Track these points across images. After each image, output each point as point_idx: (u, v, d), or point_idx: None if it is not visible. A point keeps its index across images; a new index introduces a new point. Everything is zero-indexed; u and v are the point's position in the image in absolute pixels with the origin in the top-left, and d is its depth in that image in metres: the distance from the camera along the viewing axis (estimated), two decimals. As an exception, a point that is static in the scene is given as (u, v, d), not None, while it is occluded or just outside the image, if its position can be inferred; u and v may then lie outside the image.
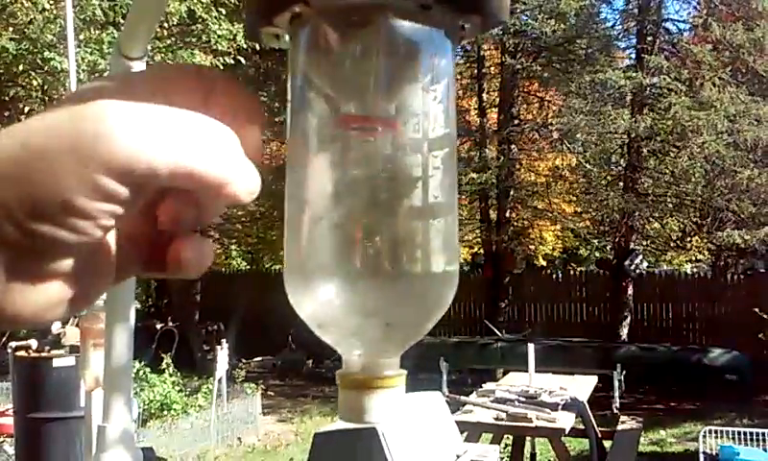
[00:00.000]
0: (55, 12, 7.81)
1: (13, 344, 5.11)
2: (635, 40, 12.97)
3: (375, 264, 0.40)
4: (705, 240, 13.16)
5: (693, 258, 15.57)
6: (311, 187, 0.41)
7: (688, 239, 13.49)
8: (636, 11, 12.82)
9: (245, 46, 8.91)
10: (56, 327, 5.16)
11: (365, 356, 0.42)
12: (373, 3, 0.39)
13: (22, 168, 0.30)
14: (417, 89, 0.40)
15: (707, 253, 14.43)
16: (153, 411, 8.01)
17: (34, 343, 4.96)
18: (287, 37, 0.42)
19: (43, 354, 4.75)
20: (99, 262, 0.34)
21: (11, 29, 8.28)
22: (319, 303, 0.41)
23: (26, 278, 0.31)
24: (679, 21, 13.14)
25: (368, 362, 0.41)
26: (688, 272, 15.23)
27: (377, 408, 0.41)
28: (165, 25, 8.47)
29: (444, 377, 8.11)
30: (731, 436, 5.64)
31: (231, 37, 8.81)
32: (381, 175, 0.40)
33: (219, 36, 8.69)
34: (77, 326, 4.72)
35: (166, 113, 0.31)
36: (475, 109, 13.61)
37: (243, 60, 9.43)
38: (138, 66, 1.31)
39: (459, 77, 12.06)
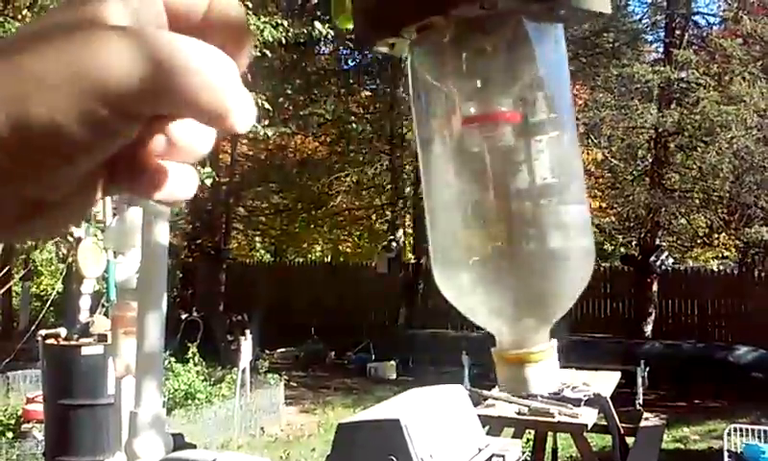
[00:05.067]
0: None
1: (43, 332, 5.19)
2: (663, 34, 12.79)
3: (509, 248, 0.43)
4: (732, 237, 12.98)
5: (720, 255, 15.35)
6: (446, 187, 0.44)
7: (715, 236, 13.31)
8: (664, 4, 12.63)
9: (270, 39, 8.95)
10: (84, 317, 5.23)
11: (513, 334, 0.44)
12: (509, 9, 0.40)
13: (13, 90, 0.28)
14: (537, 81, 0.43)
15: (733, 249, 14.22)
16: (177, 400, 8.09)
17: (63, 331, 5.03)
18: (406, 46, 0.42)
19: (72, 343, 4.82)
20: (87, 185, 0.34)
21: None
22: (464, 289, 0.44)
23: (19, 204, 0.31)
24: (708, 15, 12.97)
25: (517, 339, 0.44)
26: (714, 269, 15.02)
27: (535, 379, 0.44)
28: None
29: (467, 371, 8.09)
30: (756, 434, 5.57)
31: (258, 31, 8.85)
32: (507, 166, 0.43)
33: (245, 30, 8.74)
34: (105, 314, 4.80)
35: (169, 41, 0.30)
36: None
37: (268, 54, 9.47)
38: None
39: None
